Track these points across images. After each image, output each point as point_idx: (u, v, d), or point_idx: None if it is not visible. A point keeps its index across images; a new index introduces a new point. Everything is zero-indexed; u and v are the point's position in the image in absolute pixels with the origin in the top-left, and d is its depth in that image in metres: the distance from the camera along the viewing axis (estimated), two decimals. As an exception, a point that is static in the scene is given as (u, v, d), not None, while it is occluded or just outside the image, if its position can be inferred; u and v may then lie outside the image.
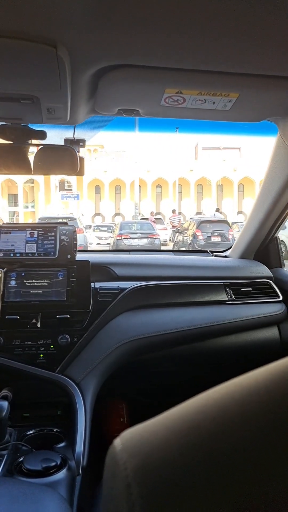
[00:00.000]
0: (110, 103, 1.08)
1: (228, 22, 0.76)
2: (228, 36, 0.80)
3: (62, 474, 1.13)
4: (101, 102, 1.08)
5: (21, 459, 1.16)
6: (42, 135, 1.22)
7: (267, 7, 0.72)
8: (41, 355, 1.46)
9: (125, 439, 0.35)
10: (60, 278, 1.54)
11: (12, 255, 1.51)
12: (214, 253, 2.18)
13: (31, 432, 1.35)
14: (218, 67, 0.92)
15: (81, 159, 1.32)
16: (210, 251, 2.20)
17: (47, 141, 1.31)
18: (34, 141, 1.27)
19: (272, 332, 1.81)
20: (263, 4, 0.71)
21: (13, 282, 1.52)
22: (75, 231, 1.57)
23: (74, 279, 1.54)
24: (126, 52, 0.86)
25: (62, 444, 1.30)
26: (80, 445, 1.26)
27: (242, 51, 0.86)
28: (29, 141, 1.25)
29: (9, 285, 1.51)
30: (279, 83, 0.99)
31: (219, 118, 1.16)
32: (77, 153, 1.29)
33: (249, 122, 1.21)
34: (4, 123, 1.18)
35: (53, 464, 1.14)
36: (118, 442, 0.36)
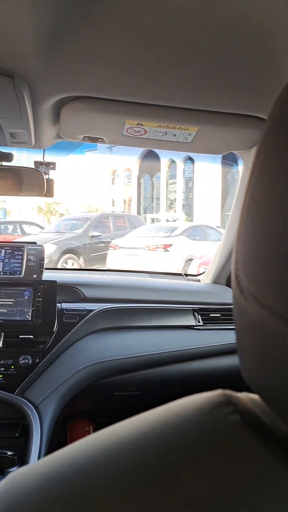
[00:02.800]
0: (74, 130, 1.10)
1: (187, 60, 0.78)
2: (187, 73, 0.83)
3: None
4: (65, 129, 1.10)
5: None
6: (9, 157, 1.23)
7: (227, 49, 0.74)
8: (1, 376, 1.44)
9: (5, 481, 0.35)
10: (26, 297, 1.53)
11: None
12: (188, 277, 2.19)
13: None
14: (176, 103, 0.94)
15: (50, 181, 1.33)
16: (184, 274, 2.21)
17: (21, 162, 1.33)
18: (4, 163, 1.28)
19: (238, 359, 1.81)
20: (223, 45, 0.74)
21: None
22: (43, 251, 1.58)
23: (40, 299, 1.53)
24: (85, 84, 0.88)
25: (14, 468, 1.27)
26: None
27: (200, 89, 0.88)
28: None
29: None
30: (238, 120, 1.02)
31: (181, 149, 1.19)
32: (44, 175, 1.30)
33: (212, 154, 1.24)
34: None
35: None
36: (1, 482, 0.36)
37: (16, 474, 0.36)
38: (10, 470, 1.26)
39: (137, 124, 1.01)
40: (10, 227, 12.33)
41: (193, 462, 0.29)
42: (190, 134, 1.06)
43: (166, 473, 0.29)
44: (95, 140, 1.15)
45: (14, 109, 0.92)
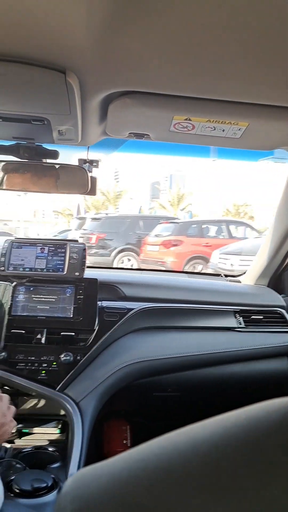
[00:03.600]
0: (120, 127, 1.09)
1: (238, 52, 0.76)
2: (238, 66, 0.80)
3: (51, 496, 1.11)
4: (111, 126, 1.09)
5: (12, 478, 1.14)
6: (54, 154, 1.24)
7: (277, 38, 0.71)
8: (43, 372, 1.45)
9: (73, 481, 0.34)
10: (68, 294, 1.54)
11: (21, 269, 1.53)
12: (228, 278, 2.14)
13: (27, 449, 1.34)
14: (227, 97, 0.91)
15: (93, 179, 1.33)
16: (224, 275, 2.17)
17: (63, 160, 1.34)
18: (48, 160, 1.29)
19: (281, 363, 1.75)
20: (273, 35, 0.71)
21: (21, 296, 1.53)
22: (85, 248, 1.58)
23: (81, 297, 1.54)
24: (135, 79, 0.87)
25: (56, 464, 1.28)
26: (74, 467, 1.24)
27: (252, 81, 0.85)
28: (43, 160, 1.27)
29: (17, 299, 1.52)
30: None
31: (229, 145, 1.16)
32: (88, 173, 1.30)
33: (261, 151, 1.20)
34: (18, 141, 1.21)
35: (44, 485, 1.12)
36: (68, 482, 0.35)
37: (85, 473, 0.35)
38: (52, 466, 1.27)
39: (186, 120, 0.99)
40: (213, 229, 10.59)
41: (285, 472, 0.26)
42: (239, 129, 1.03)
43: (253, 483, 0.27)
44: (140, 136, 1.14)
45: (64, 106, 0.92)
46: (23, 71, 0.80)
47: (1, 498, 0.84)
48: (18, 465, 1.23)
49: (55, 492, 1.12)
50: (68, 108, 0.93)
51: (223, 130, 1.04)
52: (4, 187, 1.29)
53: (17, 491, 1.10)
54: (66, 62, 0.80)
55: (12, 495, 1.08)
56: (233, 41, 0.72)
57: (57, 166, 1.30)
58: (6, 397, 1.15)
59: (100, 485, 0.32)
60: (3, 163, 1.27)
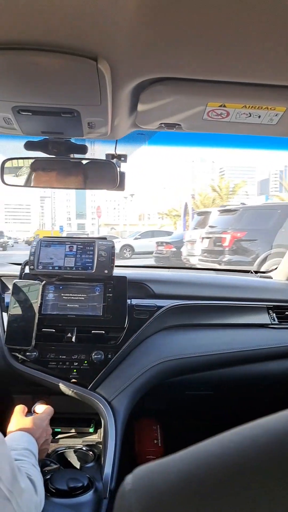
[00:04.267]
0: (151, 117, 1.06)
1: (273, 32, 0.72)
2: (274, 47, 0.76)
3: (88, 496, 1.09)
4: (142, 117, 1.06)
5: (48, 477, 1.13)
6: (83, 149, 1.22)
7: None
8: (75, 370, 1.44)
9: (137, 478, 0.32)
10: (97, 293, 1.52)
11: (51, 268, 1.51)
12: (258, 274, 2.09)
13: (61, 449, 1.33)
14: (263, 79, 0.87)
15: (122, 174, 1.31)
16: (254, 271, 2.12)
17: (90, 156, 1.32)
18: (76, 155, 1.27)
19: None
20: None
21: (50, 295, 1.52)
22: (113, 246, 1.56)
23: (111, 295, 1.52)
24: (168, 65, 0.84)
25: (91, 464, 1.26)
26: (109, 466, 1.22)
27: None
28: (71, 155, 1.26)
29: (46, 298, 1.51)
30: None
31: (264, 133, 1.11)
32: (117, 168, 1.28)
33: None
34: (46, 137, 1.19)
35: (80, 484, 1.10)
36: (129, 479, 0.33)
37: (148, 470, 0.33)
38: (87, 465, 1.25)
39: (220, 106, 0.96)
40: None
41: None
42: (276, 115, 0.98)
43: None
44: (171, 127, 1.11)
45: (94, 96, 0.89)
46: (54, 60, 0.78)
47: (42, 500, 0.82)
48: (52, 465, 1.21)
49: (91, 492, 1.10)
50: (98, 98, 0.90)
51: (259, 117, 1.00)
52: (32, 184, 1.28)
53: (53, 490, 1.08)
54: (98, 49, 0.78)
55: (48, 494, 1.07)
56: (267, 21, 0.69)
57: (85, 162, 1.28)
58: (51, 410, 1.17)
59: (168, 481, 0.30)
60: (31, 160, 1.26)
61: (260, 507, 0.25)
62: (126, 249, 17.88)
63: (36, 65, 0.80)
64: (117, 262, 1.57)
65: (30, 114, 0.98)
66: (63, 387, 1.40)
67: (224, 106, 0.96)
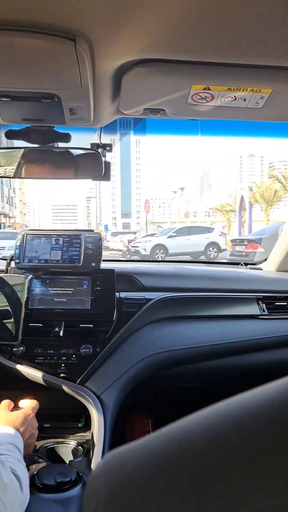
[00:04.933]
0: (134, 102, 1.04)
1: (259, 10, 0.70)
2: (259, 25, 0.74)
3: (76, 490, 1.06)
4: (125, 102, 1.04)
5: (35, 472, 1.10)
6: (66, 137, 1.19)
7: None
8: (63, 365, 1.41)
9: (106, 461, 0.31)
10: (85, 286, 1.50)
11: (37, 261, 1.49)
12: (248, 265, 2.08)
13: (49, 444, 1.30)
14: (248, 60, 0.85)
15: (107, 163, 1.29)
16: (243, 263, 2.10)
17: (75, 145, 1.29)
18: (60, 144, 1.25)
19: None
20: None
21: (37, 289, 1.50)
22: (101, 238, 1.53)
23: (99, 288, 1.50)
24: (150, 45, 0.81)
25: (79, 459, 1.24)
26: (97, 460, 1.19)
27: (275, 41, 0.79)
28: (55, 144, 1.23)
29: (33, 292, 1.49)
30: None
31: (250, 117, 1.09)
32: (102, 158, 1.26)
33: (285, 122, 1.13)
34: (28, 125, 1.16)
35: (68, 479, 1.08)
36: (100, 464, 0.32)
37: (116, 454, 0.34)
38: (75, 460, 1.22)
39: (204, 89, 0.94)
40: None
41: None
42: (262, 98, 0.96)
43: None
44: (155, 113, 1.08)
45: (74, 79, 0.87)
46: (30, 41, 0.76)
47: (27, 496, 0.80)
48: (40, 460, 1.19)
49: (79, 487, 1.08)
50: (79, 81, 0.88)
51: (244, 100, 0.98)
52: (12, 175, 1.25)
53: (40, 486, 1.06)
54: (76, 28, 0.75)
55: (35, 490, 1.04)
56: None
57: (72, 152, 1.25)
58: (37, 404, 1.15)
59: (136, 464, 0.29)
60: (14, 150, 1.23)
61: (231, 487, 0.24)
62: (159, 250, 15.82)
63: (12, 47, 0.77)
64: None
65: (9, 99, 0.95)
66: (51, 381, 1.38)
67: (209, 88, 0.94)
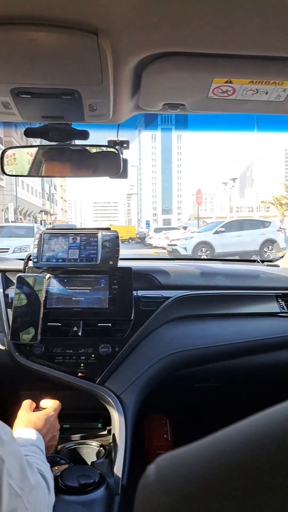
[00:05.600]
0: (154, 97, 1.03)
1: (282, 1, 0.68)
2: (282, 15, 0.72)
3: (100, 492, 1.06)
4: (145, 97, 1.02)
5: (58, 474, 1.10)
6: (84, 135, 1.18)
7: None
8: (82, 365, 1.41)
9: (160, 468, 0.30)
10: (102, 285, 1.49)
11: (54, 260, 1.48)
12: (265, 263, 2.05)
13: (70, 445, 1.30)
14: (271, 52, 0.83)
15: (125, 161, 1.27)
16: (260, 260, 2.08)
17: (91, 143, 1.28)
18: (77, 142, 1.24)
19: None
20: None
21: (55, 289, 1.49)
22: (117, 236, 1.52)
23: (116, 287, 1.48)
24: (172, 38, 0.80)
25: (101, 460, 1.23)
26: (120, 462, 1.18)
27: None
28: (72, 142, 1.22)
29: (51, 292, 1.48)
30: None
31: (271, 111, 1.07)
32: (121, 155, 1.24)
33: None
34: (46, 123, 1.16)
35: (91, 481, 1.07)
36: (152, 470, 0.31)
37: (169, 460, 0.32)
38: (97, 461, 1.21)
39: (226, 82, 0.92)
40: None
41: None
42: (284, 90, 0.94)
43: None
44: (175, 108, 1.07)
45: (95, 74, 0.86)
46: (53, 36, 0.75)
47: (53, 497, 0.79)
48: (62, 461, 1.18)
49: (103, 488, 1.07)
50: (100, 77, 0.87)
51: (266, 93, 0.96)
52: (33, 173, 1.25)
53: (63, 487, 1.05)
54: (98, 22, 0.74)
55: (58, 492, 1.04)
56: None
57: (89, 149, 1.24)
58: (59, 405, 1.14)
59: (193, 471, 0.29)
60: (34, 149, 1.23)
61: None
62: (202, 249, 13.37)
63: (34, 42, 0.76)
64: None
65: (30, 96, 0.94)
66: (71, 381, 1.37)
67: (231, 82, 0.92)
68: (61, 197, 75.56)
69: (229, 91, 0.95)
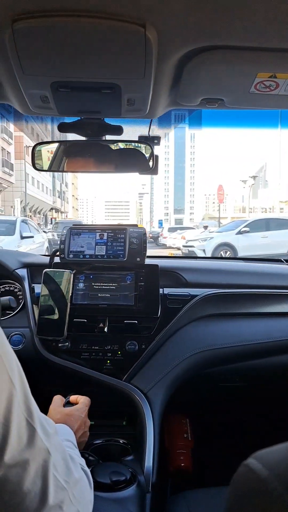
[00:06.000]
0: (193, 92, 1.01)
1: None
2: None
3: (132, 490, 1.05)
4: (184, 92, 1.01)
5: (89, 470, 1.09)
6: (118, 130, 1.17)
7: None
8: (108, 361, 1.40)
9: (270, 464, 0.29)
10: (128, 282, 1.48)
11: (81, 257, 1.47)
12: None
13: (98, 441, 1.29)
14: None
15: (156, 157, 1.26)
16: (284, 259, 2.05)
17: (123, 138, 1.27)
18: (109, 137, 1.23)
19: None
20: None
21: (81, 285, 1.48)
22: (145, 233, 1.51)
23: (142, 284, 1.47)
24: (220, 31, 0.78)
25: (130, 457, 1.22)
26: (149, 460, 1.18)
27: None
28: (104, 137, 1.21)
29: (77, 288, 1.47)
30: None
31: None
32: (153, 150, 1.23)
33: None
34: (79, 118, 1.15)
35: (123, 478, 1.06)
36: (257, 465, 0.30)
37: (275, 456, 0.31)
38: (127, 459, 1.21)
39: (270, 77, 0.90)
40: None
41: None
42: None
43: None
44: (213, 103, 1.05)
45: (139, 67, 0.84)
46: (99, 27, 0.74)
47: (91, 493, 0.78)
48: (91, 458, 1.18)
49: (134, 486, 1.06)
50: (143, 70, 0.85)
51: None
52: (65, 169, 1.24)
53: (94, 484, 1.04)
54: (147, 15, 0.73)
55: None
56: None
57: (119, 144, 1.23)
58: (89, 401, 1.12)
59: None
60: (67, 144, 1.22)
61: None
62: (222, 252, 12.05)
63: (81, 34, 0.75)
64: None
65: (69, 90, 0.93)
66: (98, 378, 1.36)
67: (275, 76, 0.90)
68: (73, 195, 74.41)
69: (272, 86, 0.93)
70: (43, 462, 0.56)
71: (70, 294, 1.43)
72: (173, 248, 16.90)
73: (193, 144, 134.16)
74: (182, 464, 1.63)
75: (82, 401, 1.12)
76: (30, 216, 31.78)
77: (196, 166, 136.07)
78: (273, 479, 0.28)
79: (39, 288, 1.43)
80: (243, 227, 12.79)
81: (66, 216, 55.20)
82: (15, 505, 0.53)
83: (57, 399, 1.10)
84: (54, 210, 48.67)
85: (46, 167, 1.30)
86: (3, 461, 0.51)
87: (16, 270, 1.58)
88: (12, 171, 33.50)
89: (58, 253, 1.50)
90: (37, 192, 40.92)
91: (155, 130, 1.29)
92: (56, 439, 0.63)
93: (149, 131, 1.27)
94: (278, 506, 0.27)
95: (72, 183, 71.98)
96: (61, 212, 53.15)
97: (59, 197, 53.69)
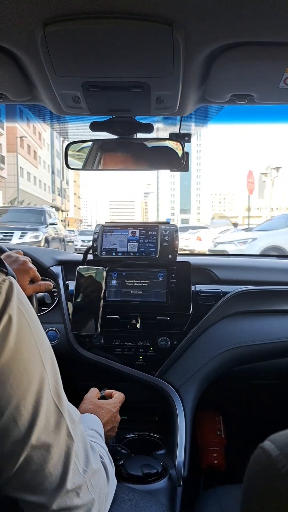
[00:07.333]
0: (222, 88, 1.01)
1: None
2: None
3: (163, 483, 1.07)
4: (213, 88, 1.01)
5: (121, 463, 1.12)
6: (148, 127, 1.19)
7: None
8: (141, 357, 1.42)
9: (282, 445, 0.31)
10: (160, 279, 1.49)
11: (114, 254, 1.50)
12: None
13: (131, 435, 1.32)
14: None
15: (187, 154, 1.27)
16: None
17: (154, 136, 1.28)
18: (139, 135, 1.25)
19: None
20: None
21: (114, 282, 1.51)
22: (177, 230, 1.52)
23: (174, 281, 1.48)
24: (247, 27, 0.78)
25: (161, 451, 1.24)
26: (181, 454, 1.19)
27: None
28: (134, 135, 1.23)
29: (110, 285, 1.50)
30: None
31: None
32: (184, 148, 1.24)
33: None
34: (110, 116, 1.17)
35: (154, 471, 1.08)
36: (270, 446, 0.31)
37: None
38: (158, 452, 1.22)
39: None
40: None
41: None
42: None
43: None
44: (242, 99, 1.05)
45: (167, 66, 0.86)
46: (128, 28, 0.75)
47: (113, 488, 0.79)
48: (123, 451, 1.20)
49: (166, 479, 1.08)
50: (171, 68, 0.86)
51: None
52: (99, 167, 1.27)
53: (126, 476, 1.07)
54: (173, 14, 0.74)
55: (121, 480, 1.06)
56: None
57: (150, 142, 1.25)
58: (123, 397, 1.14)
59: None
60: (99, 143, 1.24)
61: None
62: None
63: (110, 34, 0.77)
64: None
65: (100, 90, 0.96)
66: (131, 373, 1.39)
67: None
68: (75, 193, 70.09)
69: None
70: (66, 448, 0.59)
71: (103, 291, 1.46)
72: (185, 250, 11.88)
73: (199, 142, 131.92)
74: (215, 462, 1.63)
75: (116, 396, 1.15)
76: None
77: (202, 165, 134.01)
78: (282, 458, 0.30)
79: (73, 285, 1.47)
80: (264, 224, 10.02)
81: (67, 215, 50.58)
82: (35, 486, 0.56)
83: (93, 390, 1.13)
84: (54, 209, 46.96)
85: (79, 166, 1.33)
86: (29, 442, 0.54)
87: (51, 267, 1.62)
88: (4, 164, 30.01)
89: (91, 251, 1.53)
90: (33, 188, 37.59)
91: (186, 128, 1.30)
92: (80, 428, 0.65)
93: (179, 128, 1.28)
94: (286, 482, 0.28)
95: (74, 181, 68.03)
96: (62, 211, 49.15)
97: (59, 194, 50.43)
